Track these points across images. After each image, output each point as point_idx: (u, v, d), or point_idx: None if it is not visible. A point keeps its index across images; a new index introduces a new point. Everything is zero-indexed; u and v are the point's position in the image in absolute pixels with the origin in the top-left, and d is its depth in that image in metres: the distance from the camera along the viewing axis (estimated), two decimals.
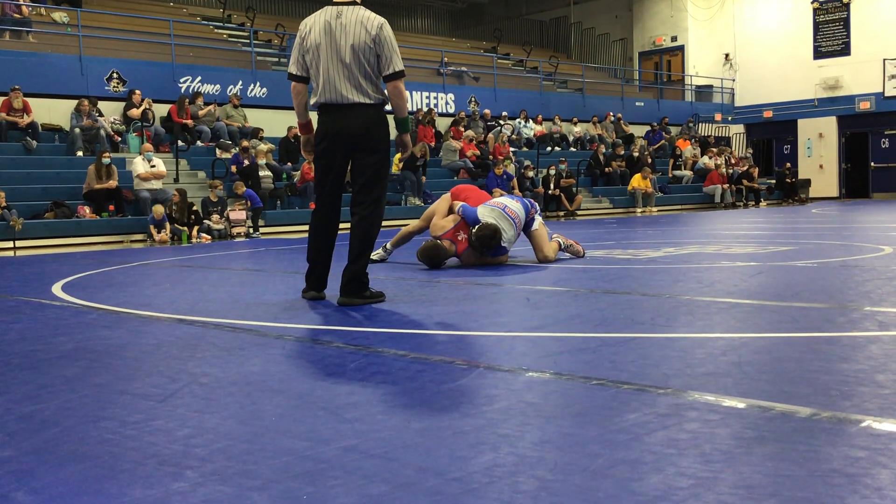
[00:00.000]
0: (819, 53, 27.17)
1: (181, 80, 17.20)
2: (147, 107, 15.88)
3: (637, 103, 27.04)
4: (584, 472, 1.81)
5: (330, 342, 3.50)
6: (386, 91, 4.69)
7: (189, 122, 16.17)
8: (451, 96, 22.08)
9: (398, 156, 10.77)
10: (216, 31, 21.29)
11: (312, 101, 4.71)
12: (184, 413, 2.42)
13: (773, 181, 25.58)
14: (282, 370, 2.98)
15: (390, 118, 4.75)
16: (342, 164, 4.70)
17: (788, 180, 25.06)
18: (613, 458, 1.89)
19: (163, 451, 2.06)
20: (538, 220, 6.94)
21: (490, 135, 20.97)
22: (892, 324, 3.56)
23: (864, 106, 26.12)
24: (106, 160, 13.20)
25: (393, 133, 4.66)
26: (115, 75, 16.34)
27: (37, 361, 3.29)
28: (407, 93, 4.63)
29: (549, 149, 22.10)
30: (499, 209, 6.71)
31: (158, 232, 12.74)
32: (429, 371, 2.85)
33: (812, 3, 27.19)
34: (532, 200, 7.20)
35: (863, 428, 2.05)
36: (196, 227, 13.10)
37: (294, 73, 4.72)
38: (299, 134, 4.95)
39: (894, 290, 4.59)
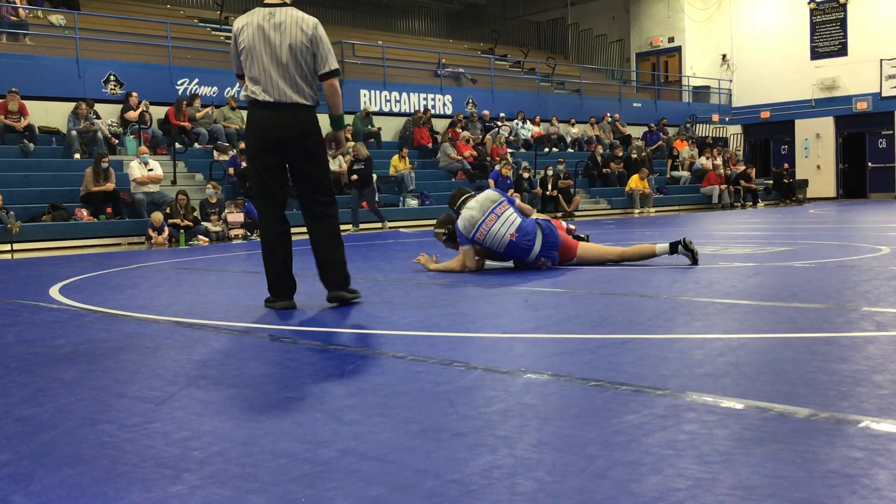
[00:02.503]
0: (816, 54, 27.20)
1: (178, 83, 17.19)
2: (144, 109, 15.88)
3: (634, 104, 27.06)
4: (583, 473, 1.80)
5: (327, 344, 3.50)
6: (323, 89, 4.72)
7: (187, 124, 16.16)
8: (448, 98, 22.08)
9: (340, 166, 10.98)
10: (213, 33, 21.27)
11: (243, 96, 4.67)
12: (182, 416, 2.42)
13: (771, 182, 25.60)
14: (279, 372, 2.98)
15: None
16: (280, 165, 4.67)
17: (786, 181, 25.08)
18: (612, 459, 1.89)
19: (161, 453, 2.05)
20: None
21: (488, 136, 20.98)
22: (889, 324, 3.56)
23: (862, 106, 26.15)
24: (105, 164, 13.19)
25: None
26: (112, 78, 16.33)
27: (34, 364, 3.28)
28: (339, 91, 4.78)
29: (546, 150, 22.11)
30: (489, 204, 6.27)
31: (156, 234, 12.72)
32: (427, 373, 2.85)
33: (809, 3, 27.23)
34: (546, 245, 6.31)
35: (861, 428, 2.05)
36: (183, 232, 13.03)
37: (239, 73, 4.74)
38: None
39: (892, 291, 4.60)
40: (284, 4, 4.65)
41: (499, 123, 22.06)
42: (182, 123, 16.11)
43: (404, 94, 21.08)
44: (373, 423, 2.26)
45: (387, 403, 2.47)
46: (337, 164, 17.07)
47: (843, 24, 26.62)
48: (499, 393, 2.55)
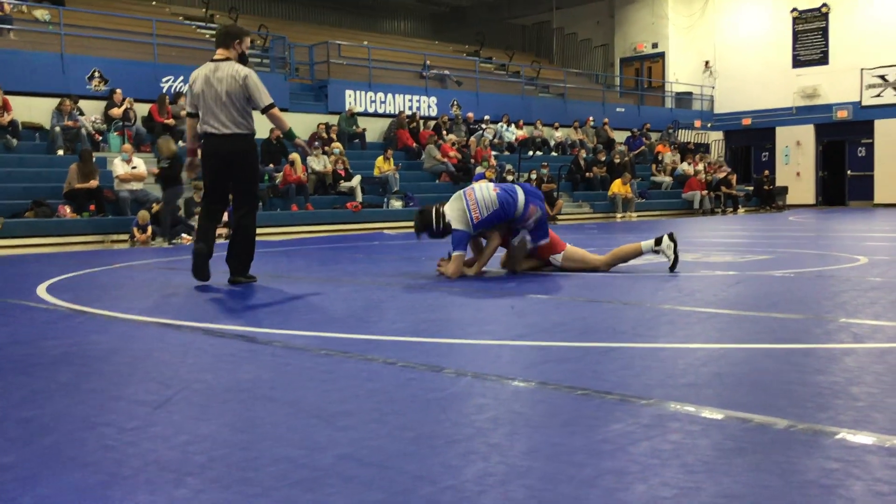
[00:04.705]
0: (798, 62, 27.53)
1: (163, 80, 17.17)
2: (128, 106, 15.85)
3: (618, 109, 27.26)
4: (572, 481, 1.88)
5: (320, 349, 3.56)
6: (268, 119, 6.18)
7: (170, 121, 16.14)
8: (433, 99, 22.16)
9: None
10: (199, 30, 21.24)
11: (200, 130, 6.12)
12: (180, 420, 2.48)
13: (752, 188, 25.88)
14: (273, 377, 3.04)
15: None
16: (225, 180, 6.14)
17: (766, 187, 25.37)
18: (600, 467, 1.97)
19: (163, 457, 2.11)
20: (521, 235, 6.43)
21: (472, 138, 21.07)
22: (866, 336, 3.66)
23: (842, 115, 26.49)
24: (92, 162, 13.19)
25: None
26: (96, 74, 16.29)
27: (29, 366, 3.32)
28: (282, 115, 6.24)
29: (530, 153, 22.24)
30: (460, 192, 6.51)
31: (141, 232, 12.71)
32: (418, 379, 2.92)
33: (791, 12, 27.54)
34: (530, 192, 6.50)
35: (837, 440, 2.14)
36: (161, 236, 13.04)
37: (190, 111, 6.23)
38: (188, 157, 6.46)
39: (869, 302, 4.72)
40: (227, 59, 6.07)
41: (483, 126, 22.16)
42: (165, 121, 16.09)
43: (389, 96, 21.14)
44: (368, 429, 2.32)
45: (380, 409, 2.54)
46: (321, 164, 17.12)
47: (824, 33, 26.96)
48: (489, 400, 2.63)
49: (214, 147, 6.06)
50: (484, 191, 6.36)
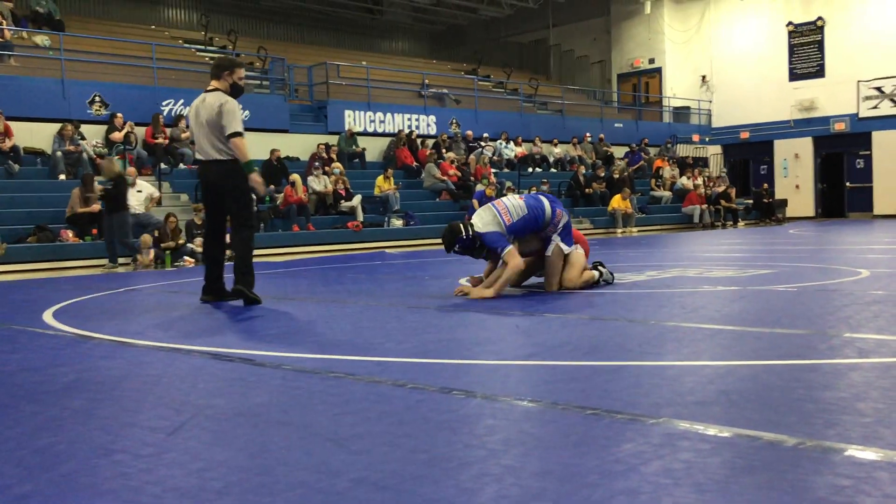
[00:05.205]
0: (794, 75, 27.64)
1: (164, 103, 17.27)
2: (129, 130, 15.93)
3: (616, 124, 27.37)
4: (586, 502, 1.90)
5: (329, 371, 3.58)
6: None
7: (163, 141, 16.19)
8: (432, 118, 22.26)
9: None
10: (198, 53, 21.38)
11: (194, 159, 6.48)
12: (195, 446, 2.50)
13: (751, 201, 25.93)
14: (285, 401, 3.07)
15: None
16: (216, 203, 6.55)
17: (766, 200, 25.43)
18: (613, 488, 1.99)
19: (180, 484, 2.14)
20: (554, 243, 6.49)
21: (472, 156, 21.16)
22: (871, 350, 3.69)
23: (839, 127, 26.57)
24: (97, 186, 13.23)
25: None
26: (97, 99, 16.39)
27: (41, 393, 3.35)
28: (246, 145, 6.40)
29: (530, 170, 22.32)
30: (488, 204, 6.67)
31: (142, 255, 12.74)
32: (428, 401, 2.95)
33: (787, 25, 27.69)
34: (553, 199, 6.67)
35: (846, 457, 2.16)
36: (169, 254, 13.03)
37: (192, 140, 6.89)
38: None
39: (872, 316, 4.74)
40: (216, 90, 6.43)
41: (482, 144, 22.25)
42: (159, 141, 16.14)
43: (388, 115, 21.24)
44: (381, 453, 2.35)
45: (392, 432, 2.56)
46: (322, 184, 17.19)
47: (820, 46, 27.08)
48: (500, 421, 2.65)
49: (202, 173, 6.64)
50: (511, 199, 6.62)
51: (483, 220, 6.42)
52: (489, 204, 6.64)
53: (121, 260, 13.12)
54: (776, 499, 1.88)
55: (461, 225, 6.48)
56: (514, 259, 6.29)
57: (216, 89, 6.47)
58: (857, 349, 3.74)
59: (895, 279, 6.92)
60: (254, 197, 6.74)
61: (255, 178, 6.47)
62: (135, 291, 8.40)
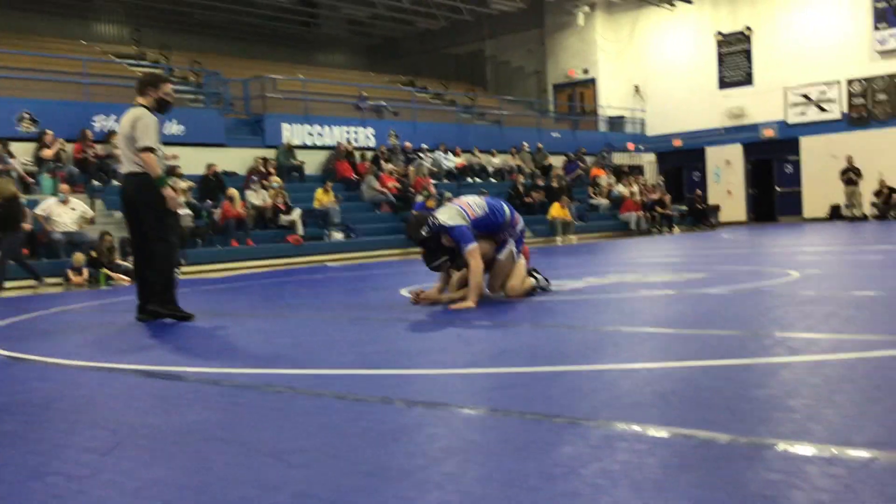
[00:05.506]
0: (724, 83, 28.33)
1: (95, 119, 16.91)
2: (60, 147, 15.57)
3: (553, 134, 27.68)
4: None
5: (268, 386, 3.55)
6: None
7: (90, 154, 15.85)
8: (370, 130, 22.23)
9: None
10: (130, 68, 21.01)
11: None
12: (130, 466, 2.45)
13: (685, 207, 26.46)
14: (223, 417, 3.03)
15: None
16: (135, 217, 6.43)
17: (699, 206, 25.98)
18: (553, 491, 2.01)
19: None
20: (508, 247, 6.56)
21: (411, 168, 21.18)
22: (801, 349, 3.80)
23: (768, 133, 27.29)
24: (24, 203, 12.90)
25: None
26: (25, 116, 15.96)
27: None
28: (155, 161, 6.27)
29: (469, 180, 22.42)
30: (451, 203, 6.73)
31: (75, 275, 12.46)
32: (369, 412, 2.94)
33: (716, 35, 28.37)
34: (512, 209, 6.77)
35: (778, 452, 2.22)
36: (102, 272, 12.76)
37: None
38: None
39: (802, 316, 4.88)
40: (136, 105, 6.42)
41: (421, 155, 22.29)
42: (85, 155, 15.80)
43: (326, 128, 21.15)
44: (322, 465, 2.33)
45: (333, 444, 2.55)
46: (261, 198, 17.02)
47: (748, 54, 27.81)
48: (441, 430, 2.66)
49: (122, 188, 6.69)
50: (472, 197, 6.74)
51: (448, 214, 6.44)
52: (450, 203, 6.71)
53: (53, 280, 12.81)
54: (711, 495, 1.92)
55: (427, 216, 6.54)
56: (475, 259, 6.26)
57: (139, 104, 6.47)
58: (787, 348, 3.84)
59: (824, 280, 7.13)
60: (176, 211, 6.57)
61: (168, 193, 6.37)
62: (67, 312, 8.21)
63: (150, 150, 6.25)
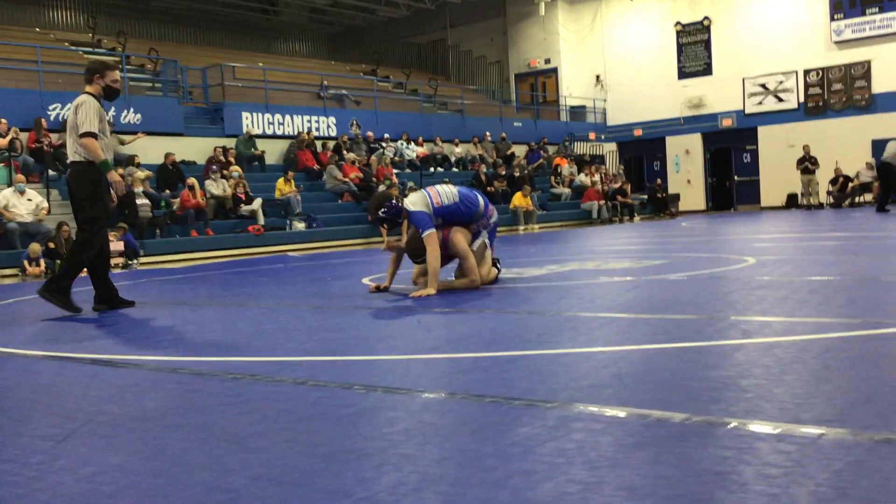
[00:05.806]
0: (683, 74, 28.62)
1: (50, 108, 16.64)
2: (14, 136, 15.29)
3: (515, 123, 27.77)
4: (483, 484, 1.94)
5: (227, 373, 3.53)
6: None
7: (48, 147, 15.60)
8: (332, 119, 22.12)
9: None
10: (86, 56, 20.66)
11: None
12: (86, 452, 2.43)
13: (646, 196, 26.73)
14: (180, 404, 3.01)
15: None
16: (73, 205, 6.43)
17: (659, 195, 26.24)
18: (509, 469, 2.03)
19: (70, 490, 2.08)
20: (481, 239, 6.58)
21: (373, 157, 21.12)
22: (755, 332, 3.87)
23: (727, 123, 27.65)
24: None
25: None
26: None
27: None
28: (96, 145, 6.22)
29: (431, 169, 22.42)
30: (422, 189, 6.76)
31: (31, 265, 12.26)
32: (328, 397, 2.94)
33: (675, 25, 28.63)
34: (486, 201, 6.77)
35: (729, 430, 2.27)
36: (60, 263, 12.59)
37: None
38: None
39: (757, 300, 4.96)
40: (85, 93, 6.37)
41: (383, 144, 22.23)
42: (40, 144, 15.53)
43: (287, 117, 21.00)
44: (279, 449, 2.33)
45: (292, 429, 2.55)
46: (220, 187, 16.87)
47: (707, 45, 28.12)
48: (400, 413, 2.67)
49: (67, 176, 6.65)
50: (444, 186, 6.70)
51: (412, 200, 6.49)
52: (422, 189, 6.73)
53: (8, 271, 12.60)
54: (663, 471, 1.95)
55: (392, 196, 6.62)
56: (432, 244, 6.24)
57: (86, 93, 6.42)
58: (741, 331, 3.91)
59: (779, 266, 7.25)
60: (105, 200, 6.47)
61: (113, 176, 6.35)
62: (22, 302, 8.07)
63: (91, 135, 6.22)
